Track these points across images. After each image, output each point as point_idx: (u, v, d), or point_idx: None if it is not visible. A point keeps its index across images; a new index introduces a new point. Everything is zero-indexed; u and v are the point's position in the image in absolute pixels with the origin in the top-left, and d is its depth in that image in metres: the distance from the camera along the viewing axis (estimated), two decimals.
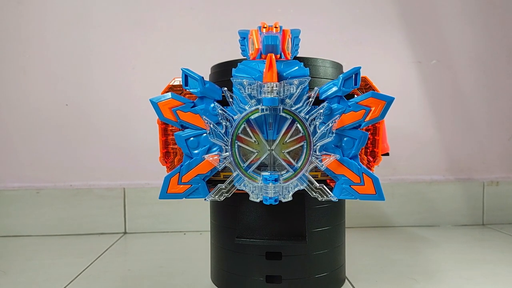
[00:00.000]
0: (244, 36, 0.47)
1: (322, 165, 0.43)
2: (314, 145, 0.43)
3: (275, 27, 0.46)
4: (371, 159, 0.48)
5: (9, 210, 0.83)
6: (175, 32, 0.86)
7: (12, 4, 0.84)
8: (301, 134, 0.43)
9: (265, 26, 0.46)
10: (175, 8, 0.86)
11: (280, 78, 0.41)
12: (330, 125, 0.42)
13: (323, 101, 0.43)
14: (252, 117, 0.42)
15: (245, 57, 0.47)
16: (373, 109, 0.43)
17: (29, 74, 0.85)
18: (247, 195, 0.44)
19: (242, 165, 0.43)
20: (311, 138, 0.42)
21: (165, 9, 0.86)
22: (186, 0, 0.86)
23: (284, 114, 0.42)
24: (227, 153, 0.43)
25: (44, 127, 0.85)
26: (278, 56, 0.43)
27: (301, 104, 0.42)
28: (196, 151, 0.45)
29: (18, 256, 0.70)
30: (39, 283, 0.57)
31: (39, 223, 0.83)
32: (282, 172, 0.44)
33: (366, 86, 0.46)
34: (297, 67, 0.42)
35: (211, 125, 0.43)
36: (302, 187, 0.44)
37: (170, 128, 0.47)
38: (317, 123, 0.42)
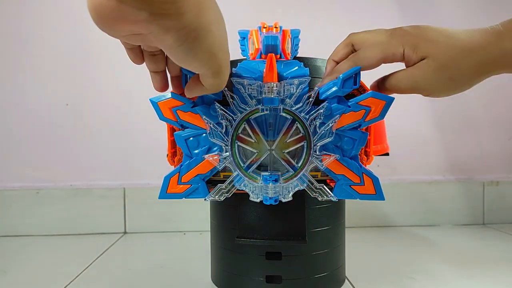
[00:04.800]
0: (244, 36, 0.47)
1: (322, 165, 0.43)
2: (314, 145, 0.43)
3: (275, 27, 0.46)
4: (365, 158, 0.48)
5: (9, 210, 0.83)
6: None
7: (12, 4, 0.84)
8: (301, 134, 0.43)
9: (265, 26, 0.46)
10: None
11: (280, 78, 0.41)
12: (330, 125, 0.42)
13: (323, 101, 0.43)
14: (252, 117, 0.42)
15: (245, 57, 0.47)
16: (373, 109, 0.43)
17: (29, 74, 0.85)
18: (247, 195, 0.44)
19: (242, 165, 0.43)
20: (311, 138, 0.42)
21: None
22: None
23: (284, 114, 0.42)
24: (227, 153, 0.43)
25: (44, 127, 0.85)
26: (278, 56, 0.43)
27: (301, 104, 0.42)
28: (196, 151, 0.45)
29: (18, 256, 0.70)
30: (39, 283, 0.57)
31: (39, 223, 0.83)
32: (282, 172, 0.44)
33: (360, 89, 0.46)
34: (297, 67, 0.42)
35: (211, 125, 0.43)
36: (302, 187, 0.43)
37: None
38: (317, 123, 0.42)
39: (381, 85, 0.43)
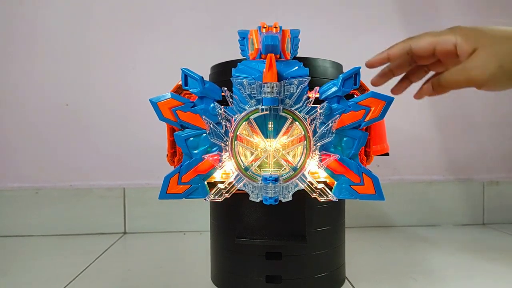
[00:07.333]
0: (243, 36, 0.47)
1: (322, 165, 0.43)
2: (314, 145, 0.43)
3: (275, 27, 0.46)
4: (364, 158, 0.48)
5: (9, 210, 0.83)
6: (175, 32, 0.86)
7: (12, 4, 0.84)
8: (301, 134, 0.43)
9: (265, 26, 0.46)
10: (175, 8, 0.86)
11: (280, 78, 0.41)
12: (330, 125, 0.42)
13: (323, 101, 0.43)
14: (252, 117, 0.42)
15: (244, 57, 0.47)
16: (373, 109, 0.43)
17: (29, 74, 0.85)
18: (247, 195, 0.44)
19: (242, 165, 0.43)
20: (311, 138, 0.42)
21: (165, 10, 0.86)
22: (186, 0, 0.86)
23: (284, 114, 0.42)
24: (227, 153, 0.43)
25: (44, 127, 0.85)
26: (278, 56, 0.43)
27: (301, 104, 0.42)
28: (195, 151, 0.44)
29: (18, 256, 0.70)
30: (39, 283, 0.57)
31: (39, 223, 0.83)
32: (282, 172, 0.43)
33: (360, 90, 0.46)
34: (297, 67, 0.42)
35: (211, 125, 0.43)
36: (302, 187, 0.43)
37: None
38: (317, 123, 0.42)
39: (436, 82, 0.44)
